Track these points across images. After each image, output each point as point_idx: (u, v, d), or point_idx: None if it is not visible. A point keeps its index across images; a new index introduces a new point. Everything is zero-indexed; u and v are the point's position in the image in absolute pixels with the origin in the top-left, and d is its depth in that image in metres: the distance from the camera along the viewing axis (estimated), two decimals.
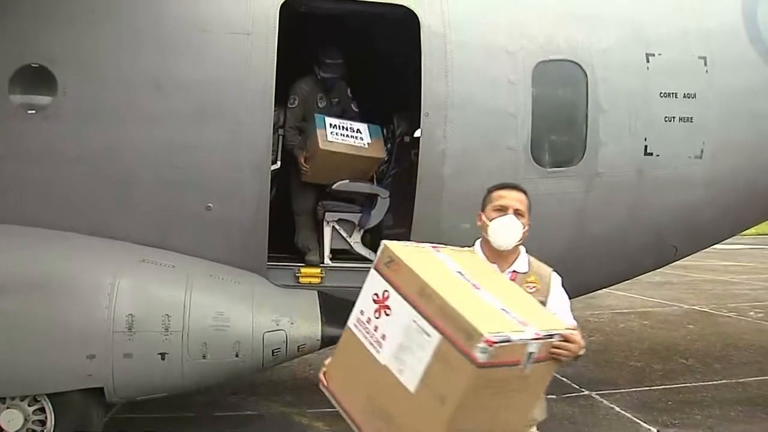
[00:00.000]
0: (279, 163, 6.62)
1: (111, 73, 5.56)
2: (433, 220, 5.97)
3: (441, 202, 5.96)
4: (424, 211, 5.95)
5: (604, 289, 8.12)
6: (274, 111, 5.90)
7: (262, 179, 5.77)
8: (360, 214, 6.70)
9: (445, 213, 5.98)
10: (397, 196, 6.72)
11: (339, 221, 6.67)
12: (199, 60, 5.67)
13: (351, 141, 6.43)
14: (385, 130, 6.95)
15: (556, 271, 3.64)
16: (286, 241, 6.71)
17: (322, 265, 6.42)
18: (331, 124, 6.43)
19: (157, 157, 5.61)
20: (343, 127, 6.47)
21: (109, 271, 5.36)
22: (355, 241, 6.68)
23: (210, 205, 5.69)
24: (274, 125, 5.97)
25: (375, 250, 6.08)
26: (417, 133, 6.42)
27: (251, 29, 5.74)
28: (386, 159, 6.84)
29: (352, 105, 7.05)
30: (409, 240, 5.52)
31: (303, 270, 6.26)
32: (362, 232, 6.71)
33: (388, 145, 6.92)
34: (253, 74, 5.70)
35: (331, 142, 6.35)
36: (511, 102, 6.05)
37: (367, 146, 6.47)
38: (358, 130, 6.51)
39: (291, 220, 6.92)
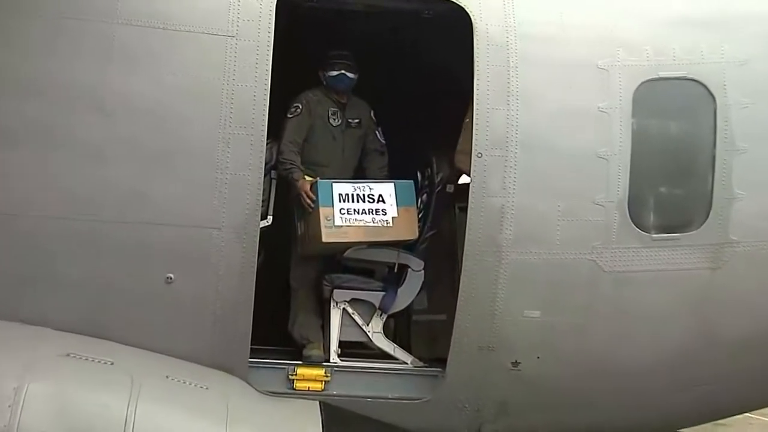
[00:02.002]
0: (270, 218, 6.13)
1: (33, 86, 5.27)
2: (486, 304, 5.67)
3: (497, 279, 5.66)
4: (473, 291, 5.65)
5: (742, 414, 7.41)
6: (267, 145, 5.66)
7: (246, 241, 5.48)
8: (382, 293, 6.23)
9: (503, 295, 5.67)
10: (434, 269, 6.36)
11: (352, 302, 6.21)
12: (161, 72, 5.42)
13: (368, 220, 5.97)
14: (419, 176, 6.57)
15: None
16: (276, 327, 6.42)
17: (326, 363, 6.03)
18: (341, 196, 5.98)
19: (95, 207, 5.33)
20: (358, 197, 6.00)
21: (14, 370, 4.95)
22: (375, 331, 6.20)
23: (170, 276, 5.40)
24: (265, 165, 5.71)
25: (402, 345, 6.35)
26: (464, 180, 6.23)
27: (236, 30, 5.48)
28: (420, 216, 6.36)
29: (377, 133, 6.65)
30: (450, 331, 5.66)
31: (300, 370, 5.90)
32: (385, 318, 6.27)
33: (423, 197, 6.47)
34: (237, 94, 5.45)
35: (339, 227, 5.94)
36: (602, 138, 5.71)
37: (391, 223, 6.03)
38: (380, 198, 6.01)
39: (285, 296, 6.49)
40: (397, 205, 6.04)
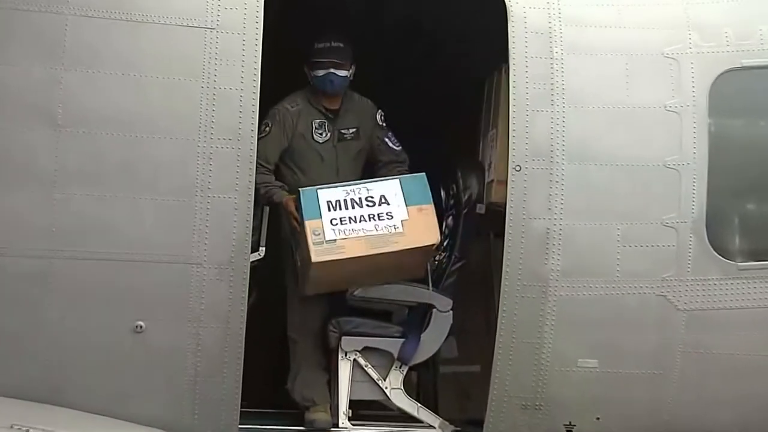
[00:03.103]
0: (263, 249, 5.81)
1: None
2: (530, 352, 5.48)
3: (543, 321, 5.46)
4: (514, 336, 5.47)
5: None
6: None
7: (233, 279, 5.31)
8: (401, 340, 5.95)
9: (550, 341, 5.48)
10: (465, 309, 6.14)
11: (365, 352, 5.94)
12: (124, 74, 5.23)
13: (370, 228, 5.50)
14: (443, 194, 6.36)
15: None
16: (272, 384, 6.43)
17: (335, 429, 5.83)
18: (331, 204, 5.54)
19: (43, 241, 5.15)
20: (353, 202, 5.55)
21: None
22: (394, 388, 5.91)
23: (140, 324, 5.24)
24: (257, 187, 5.63)
25: (427, 403, 6.14)
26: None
27: (216, 20, 5.32)
28: (445, 244, 6.11)
29: (387, 139, 6.26)
30: (486, 386, 5.50)
31: None
32: (405, 370, 5.99)
33: (449, 220, 6.22)
34: (219, 99, 5.30)
35: (332, 242, 5.50)
36: (671, 144, 5.49)
37: (401, 228, 5.60)
38: (383, 200, 5.57)
39: (282, 345, 6.33)
40: (406, 205, 5.64)
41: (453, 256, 6.10)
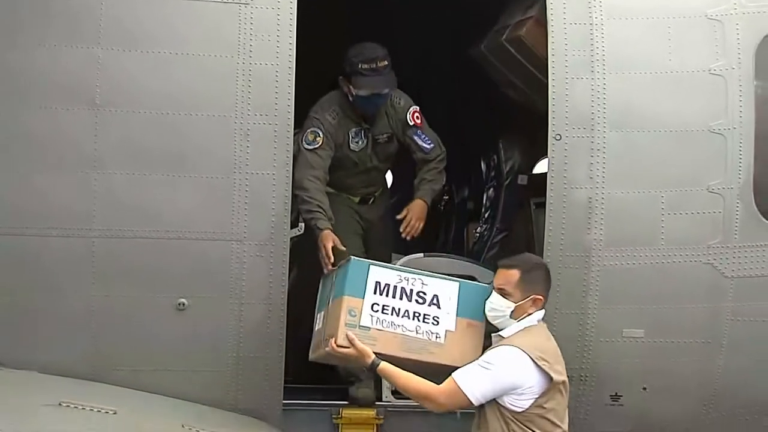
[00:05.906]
0: (302, 225, 6.03)
1: (3, 77, 5.08)
2: (574, 322, 5.43)
3: (587, 291, 5.41)
4: (557, 306, 5.36)
5: None
6: (294, 137, 5.47)
7: (273, 255, 5.30)
8: None
9: (595, 311, 5.42)
10: None
11: None
12: (160, 52, 5.20)
13: (410, 328, 4.81)
14: (483, 166, 6.40)
15: None
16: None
17: (379, 403, 5.84)
18: (378, 285, 4.91)
19: (84, 220, 5.15)
20: (402, 292, 4.89)
21: None
22: None
23: (182, 301, 5.27)
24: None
25: None
26: (540, 169, 6.08)
27: None
28: (486, 216, 6.25)
29: (417, 137, 6.00)
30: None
31: (346, 412, 5.72)
32: None
33: (490, 191, 6.33)
34: (255, 74, 5.27)
35: (365, 330, 4.86)
36: (716, 109, 5.39)
37: (443, 340, 4.93)
38: (435, 300, 4.88)
39: None
40: (457, 315, 5.01)
41: (495, 228, 6.15)
